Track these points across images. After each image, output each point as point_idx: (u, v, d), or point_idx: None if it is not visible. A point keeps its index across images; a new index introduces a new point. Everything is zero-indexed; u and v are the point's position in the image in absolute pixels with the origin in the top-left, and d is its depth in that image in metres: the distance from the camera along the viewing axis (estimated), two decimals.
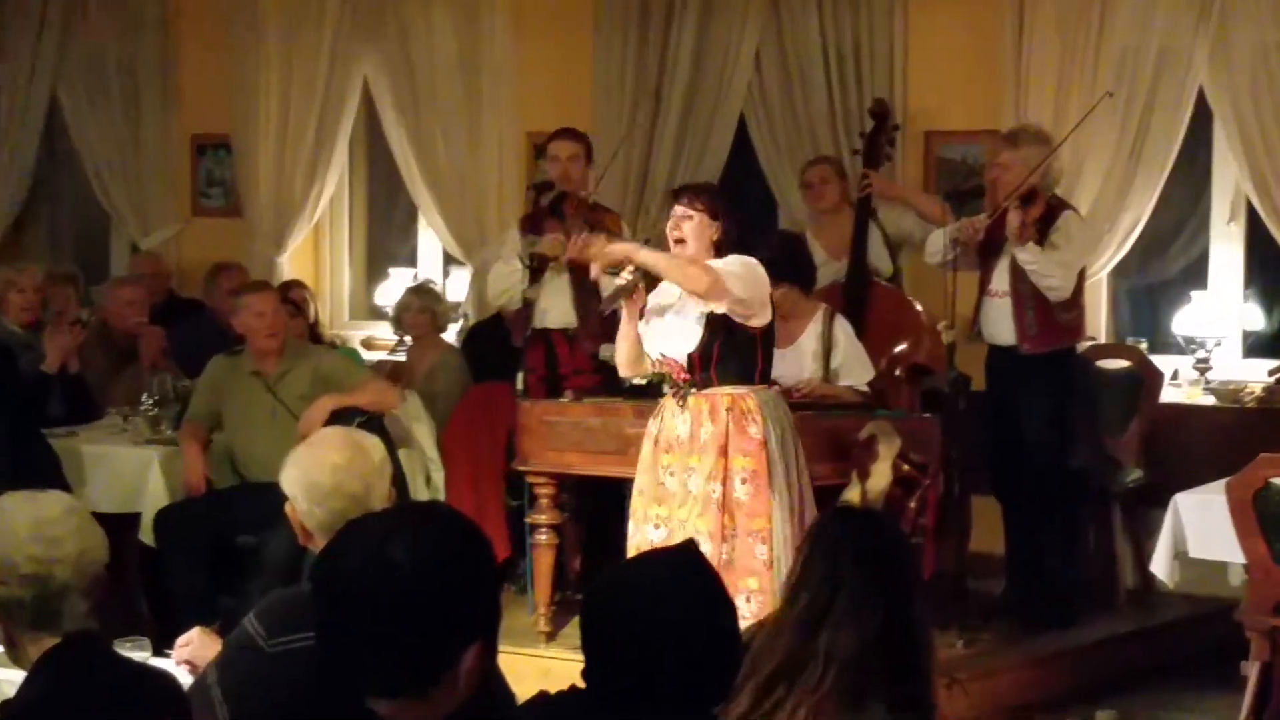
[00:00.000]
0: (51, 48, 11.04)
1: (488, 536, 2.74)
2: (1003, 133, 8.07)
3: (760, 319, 6.27)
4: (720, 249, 6.33)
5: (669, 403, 6.38)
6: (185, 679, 4.13)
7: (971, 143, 8.81)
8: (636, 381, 6.77)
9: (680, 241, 6.32)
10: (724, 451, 6.23)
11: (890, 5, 8.92)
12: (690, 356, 6.27)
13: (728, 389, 6.31)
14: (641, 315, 6.40)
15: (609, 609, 3.17)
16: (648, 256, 6.32)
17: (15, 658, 3.62)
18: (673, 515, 6.23)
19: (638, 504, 6.37)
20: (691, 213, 6.35)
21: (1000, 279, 7.72)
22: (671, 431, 6.34)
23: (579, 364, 7.99)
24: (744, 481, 6.25)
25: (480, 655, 2.58)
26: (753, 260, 6.32)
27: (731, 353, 6.33)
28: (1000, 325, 7.76)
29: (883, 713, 3.50)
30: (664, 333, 6.35)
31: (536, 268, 7.90)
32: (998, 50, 8.72)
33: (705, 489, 6.20)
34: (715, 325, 6.25)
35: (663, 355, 6.35)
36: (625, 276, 6.32)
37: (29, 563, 3.52)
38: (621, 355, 6.52)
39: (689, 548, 3.46)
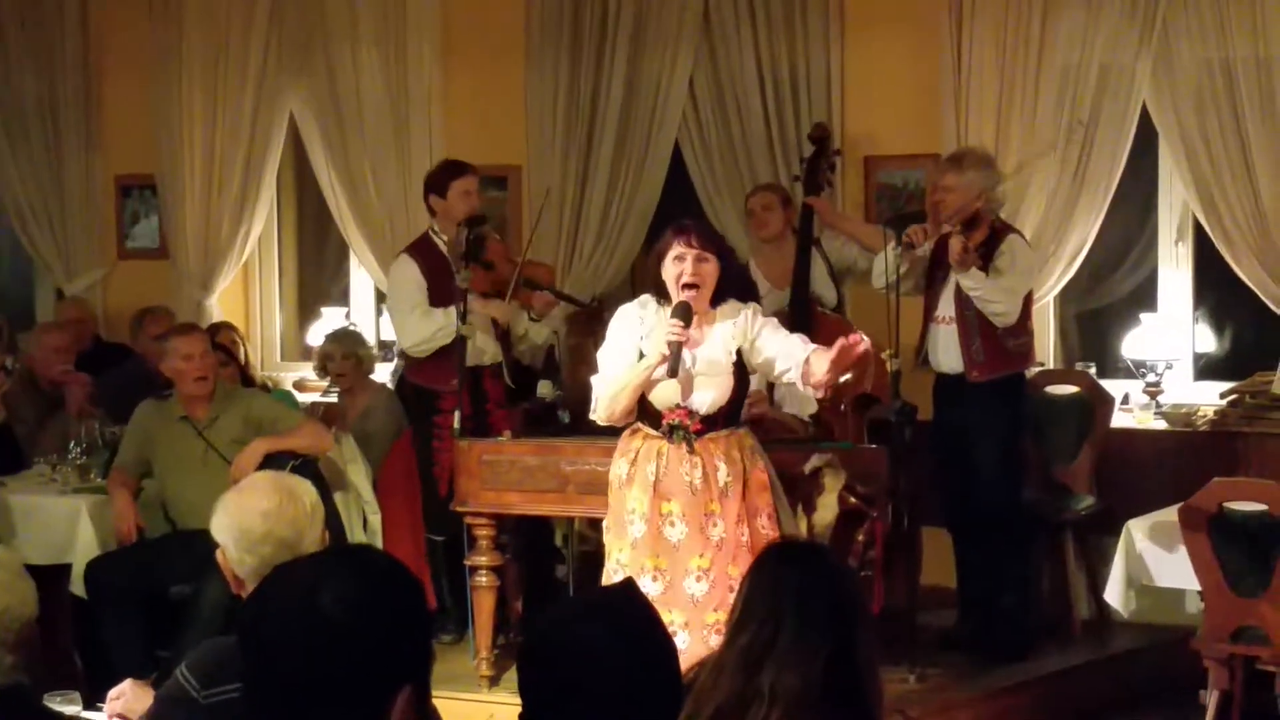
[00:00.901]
0: None
1: (419, 580, 2.74)
2: (945, 156, 8.08)
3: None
4: (719, 292, 6.28)
5: (668, 449, 6.25)
6: None
7: (912, 167, 8.80)
8: (602, 424, 6.52)
9: (694, 286, 6.15)
10: (747, 491, 6.19)
11: (826, 29, 8.92)
12: (719, 406, 6.22)
13: (724, 430, 6.27)
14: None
15: (546, 653, 3.15)
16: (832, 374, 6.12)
17: None
18: (678, 565, 6.13)
19: (627, 556, 6.22)
20: (708, 256, 6.22)
21: (946, 305, 7.72)
22: (678, 479, 6.20)
23: (498, 398, 8.05)
24: (769, 518, 6.22)
25: (410, 700, 2.57)
26: None
27: (739, 401, 6.37)
28: (947, 353, 7.76)
29: None
30: (698, 384, 6.23)
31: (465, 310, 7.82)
32: (936, 72, 8.75)
33: (734, 533, 6.14)
34: (741, 374, 6.28)
35: (678, 405, 6.23)
36: (674, 334, 6.08)
37: None
38: (620, 404, 6.29)
39: (627, 587, 3.45)
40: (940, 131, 8.69)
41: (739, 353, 6.23)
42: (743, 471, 6.22)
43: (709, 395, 6.21)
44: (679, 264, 6.18)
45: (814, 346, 6.16)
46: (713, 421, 6.23)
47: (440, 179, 8.21)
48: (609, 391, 6.33)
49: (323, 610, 2.54)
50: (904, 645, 7.29)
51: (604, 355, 6.44)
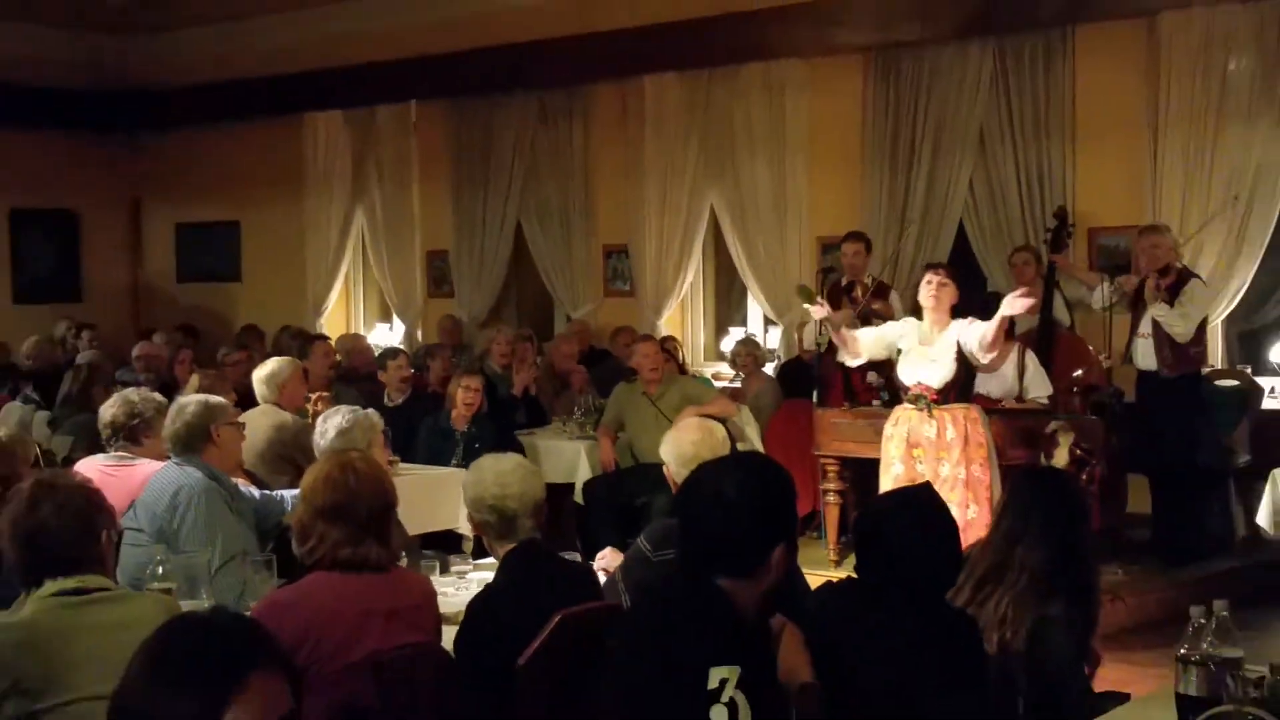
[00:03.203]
0: (517, 191, 11.23)
1: (788, 473, 2.83)
2: (1145, 226, 7.79)
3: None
4: (954, 310, 6.36)
5: (914, 414, 6.34)
6: (602, 578, 4.30)
7: (1122, 234, 8.41)
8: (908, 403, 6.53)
9: (937, 300, 6.33)
10: (966, 445, 6.22)
11: (1064, 140, 8.67)
12: (945, 383, 6.27)
13: (960, 405, 6.34)
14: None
15: (873, 526, 3.23)
16: None
17: (494, 555, 3.87)
18: None
19: (894, 486, 6.19)
20: (947, 281, 6.35)
21: (1145, 325, 7.52)
22: (921, 433, 6.31)
23: (859, 385, 7.98)
24: (980, 465, 6.23)
25: (784, 553, 2.66)
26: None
27: (963, 382, 6.38)
28: (1146, 357, 7.54)
29: (1063, 605, 3.47)
30: (922, 368, 6.33)
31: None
32: (1141, 168, 8.40)
33: (954, 472, 6.20)
34: (961, 363, 6.28)
35: (919, 381, 6.32)
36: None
37: (492, 498, 3.74)
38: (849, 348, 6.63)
39: (926, 488, 3.49)
40: (1143, 209, 8.33)
41: (958, 346, 6.24)
42: (965, 433, 6.22)
43: (934, 374, 6.26)
44: (929, 288, 6.35)
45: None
46: (945, 394, 6.25)
47: (840, 242, 8.52)
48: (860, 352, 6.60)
49: (725, 494, 2.65)
50: (1115, 551, 7.15)
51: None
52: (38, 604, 3.03)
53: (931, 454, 6.28)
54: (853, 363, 6.81)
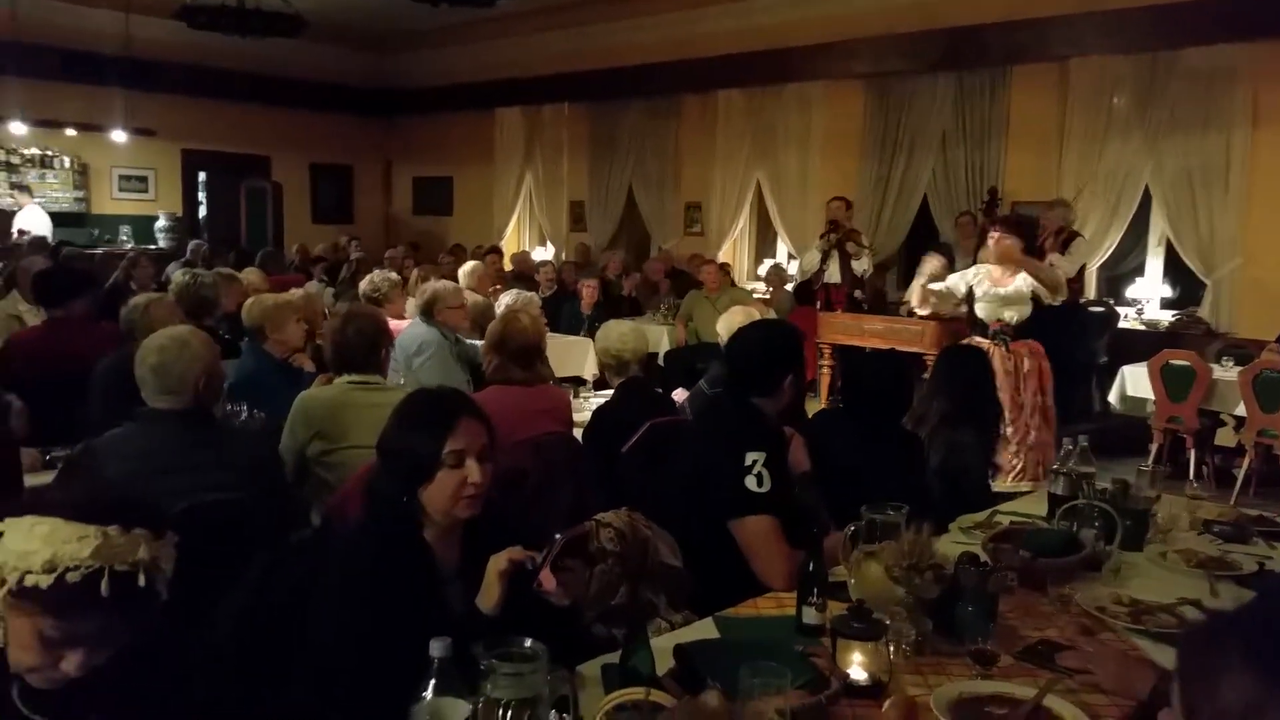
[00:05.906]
0: (630, 164, 10.89)
1: (795, 329, 2.79)
2: (1047, 201, 7.50)
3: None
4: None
5: (989, 346, 5.04)
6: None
7: (1033, 206, 7.99)
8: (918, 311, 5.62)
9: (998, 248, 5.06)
10: (1040, 375, 5.30)
11: (999, 143, 8.29)
12: (1021, 321, 5.17)
13: (1024, 341, 5.26)
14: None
15: (854, 373, 3.20)
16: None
17: (611, 385, 3.86)
18: None
19: None
20: (1008, 235, 5.11)
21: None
22: (998, 366, 4.96)
23: (838, 300, 7.83)
24: (1049, 393, 5.27)
25: (792, 381, 2.63)
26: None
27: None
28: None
29: (972, 434, 3.39)
30: (1000, 308, 5.18)
31: (825, 252, 7.78)
32: (1050, 162, 8.01)
33: (1031, 399, 5.23)
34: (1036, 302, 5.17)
35: (999, 319, 5.18)
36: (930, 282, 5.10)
37: (615, 348, 3.76)
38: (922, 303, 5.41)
39: (890, 351, 3.43)
40: (1049, 187, 7.96)
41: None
42: (1038, 365, 5.17)
43: (1014, 313, 5.15)
44: (993, 239, 5.13)
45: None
46: (1019, 331, 5.09)
47: (829, 201, 8.12)
48: (924, 299, 5.30)
49: (753, 341, 2.63)
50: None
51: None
52: (337, 386, 3.13)
53: (1009, 384, 4.99)
54: (922, 312, 5.50)
